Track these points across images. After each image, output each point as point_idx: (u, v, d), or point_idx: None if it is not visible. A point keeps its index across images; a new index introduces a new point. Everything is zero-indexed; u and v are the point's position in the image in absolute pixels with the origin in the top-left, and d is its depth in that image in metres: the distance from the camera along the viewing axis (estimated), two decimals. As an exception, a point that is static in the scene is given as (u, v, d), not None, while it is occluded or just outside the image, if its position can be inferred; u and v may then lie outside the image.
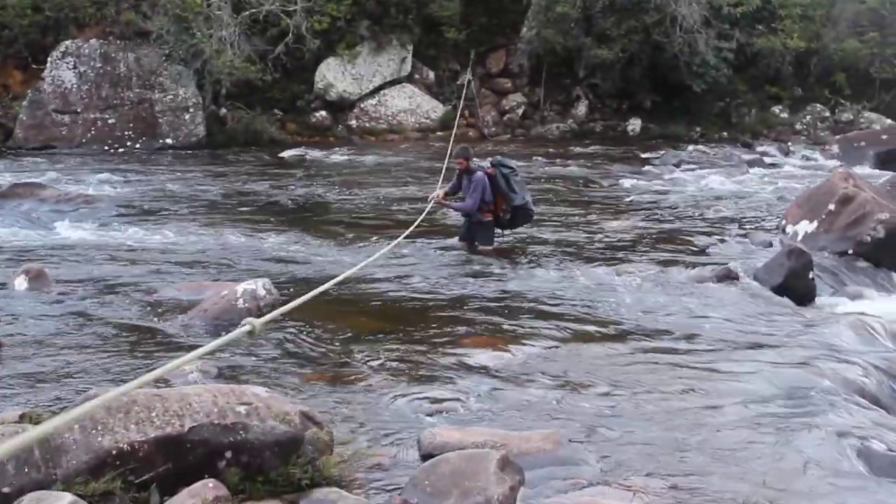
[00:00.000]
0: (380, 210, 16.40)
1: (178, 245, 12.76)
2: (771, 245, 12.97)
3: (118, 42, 26.64)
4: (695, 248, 13.21)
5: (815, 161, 26.16)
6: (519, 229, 13.16)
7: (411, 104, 30.65)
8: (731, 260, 11.96)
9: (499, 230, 12.73)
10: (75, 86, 25.84)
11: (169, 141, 26.20)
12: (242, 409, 5.20)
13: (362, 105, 30.38)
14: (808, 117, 33.70)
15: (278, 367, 7.54)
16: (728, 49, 30.70)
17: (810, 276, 10.76)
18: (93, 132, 25.66)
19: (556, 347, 8.29)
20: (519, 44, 31.96)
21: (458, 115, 26.69)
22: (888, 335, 9.20)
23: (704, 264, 11.81)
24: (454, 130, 20.67)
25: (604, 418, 6.49)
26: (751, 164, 24.43)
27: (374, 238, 13.13)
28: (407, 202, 16.40)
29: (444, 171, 13.64)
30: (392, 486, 5.43)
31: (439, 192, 12.58)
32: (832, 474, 5.68)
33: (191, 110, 26.69)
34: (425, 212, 12.00)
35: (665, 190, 19.50)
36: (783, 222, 13.85)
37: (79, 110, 25.73)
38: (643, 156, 26.03)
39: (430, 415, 6.52)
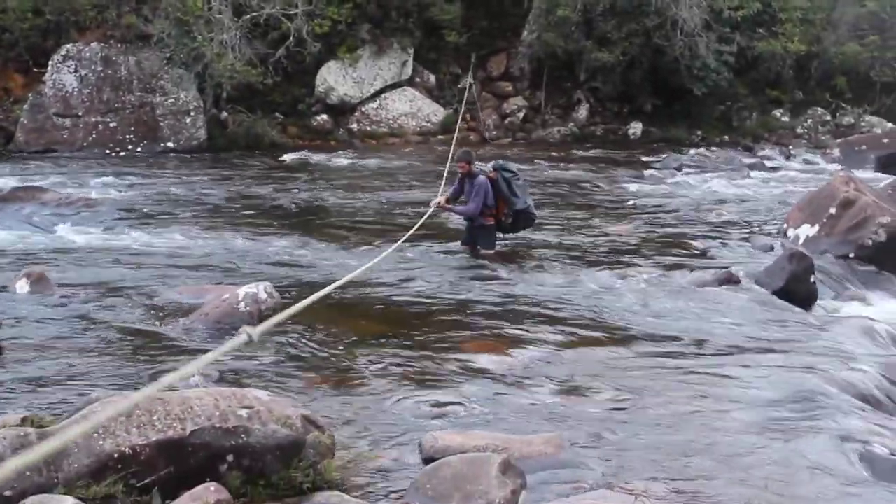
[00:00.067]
0: (381, 214, 16.39)
1: (179, 248, 12.75)
2: (772, 249, 12.97)
3: (119, 45, 26.61)
4: (696, 252, 13.21)
5: (817, 165, 26.13)
6: (521, 233, 13.14)
7: (412, 108, 30.63)
8: (732, 264, 11.97)
9: (500, 234, 12.72)
10: (76, 89, 25.83)
11: (170, 144, 26.17)
12: (244, 412, 5.21)
13: (363, 109, 30.35)
14: (809, 121, 33.66)
15: (280, 371, 7.54)
16: (729, 53, 30.67)
17: (812, 279, 10.76)
18: (94, 136, 25.63)
19: (558, 351, 8.29)
20: (520, 47, 31.94)
21: (459, 119, 26.67)
22: (889, 338, 9.20)
23: (706, 268, 11.80)
24: (456, 134, 20.66)
25: (605, 422, 6.49)
26: (752, 167, 24.41)
27: (376, 242, 13.12)
28: (409, 206, 16.39)
29: (445, 176, 13.64)
30: (394, 490, 5.43)
31: (440, 198, 12.56)
32: (835, 478, 5.68)
33: (192, 114, 26.67)
34: (426, 216, 11.99)
35: (666, 193, 19.50)
36: (784, 226, 13.85)
37: (80, 114, 25.70)
38: (644, 159, 26.01)
39: (431, 418, 6.52)
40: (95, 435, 4.83)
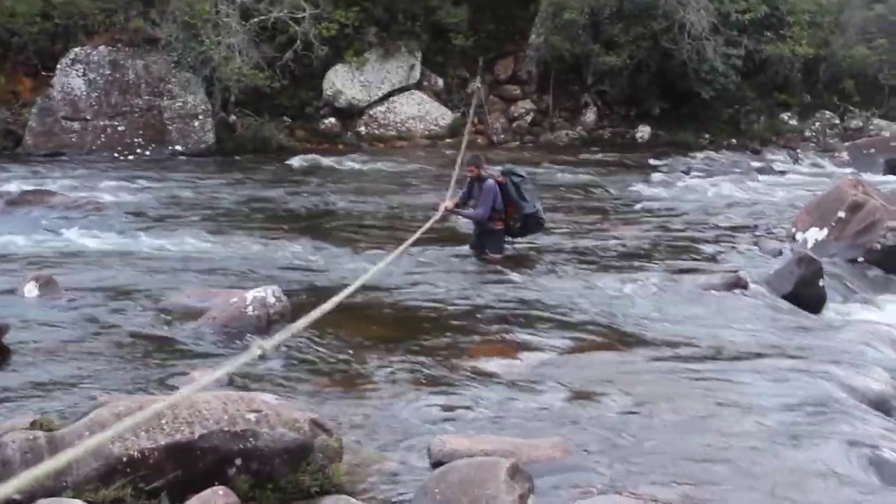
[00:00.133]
0: (390, 218, 16.38)
1: (187, 252, 12.75)
2: (781, 253, 12.94)
3: (127, 49, 26.62)
4: (704, 256, 13.20)
5: (825, 168, 26.11)
6: (529, 237, 13.13)
7: (420, 111, 30.61)
8: (740, 267, 11.94)
9: (509, 238, 12.70)
10: (84, 93, 25.84)
11: (178, 148, 26.18)
12: (252, 416, 5.21)
13: (371, 112, 30.34)
14: (817, 124, 33.60)
15: (288, 375, 7.55)
16: (736, 56, 30.62)
17: (820, 283, 10.74)
18: (102, 139, 25.65)
19: (565, 355, 8.29)
20: (527, 50, 31.92)
21: (468, 123, 26.67)
22: (898, 343, 9.18)
23: (714, 272, 11.78)
24: (465, 138, 20.65)
25: (614, 426, 6.48)
26: (760, 171, 24.40)
27: (385, 246, 13.07)
28: (418, 210, 16.37)
29: (454, 179, 13.63)
30: (401, 494, 5.43)
31: (448, 202, 12.55)
32: (843, 483, 5.66)
33: (200, 117, 26.67)
34: (433, 220, 11.97)
35: (674, 197, 19.48)
36: (793, 230, 13.83)
37: (88, 117, 25.73)
38: (652, 163, 25.99)
39: (440, 422, 6.52)
40: (104, 438, 4.83)
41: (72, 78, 25.80)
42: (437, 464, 5.62)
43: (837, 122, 33.71)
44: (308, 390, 7.16)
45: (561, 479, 5.61)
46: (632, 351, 8.46)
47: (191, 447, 4.97)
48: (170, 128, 26.26)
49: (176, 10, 26.05)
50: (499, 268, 11.92)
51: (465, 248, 12.79)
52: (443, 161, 23.65)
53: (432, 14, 30.18)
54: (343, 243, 13.54)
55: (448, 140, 29.50)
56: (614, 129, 32.28)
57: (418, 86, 31.02)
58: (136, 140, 25.92)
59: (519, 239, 12.92)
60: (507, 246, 12.62)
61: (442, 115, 30.62)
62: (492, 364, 7.91)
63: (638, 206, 18.02)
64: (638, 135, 31.84)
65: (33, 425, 5.07)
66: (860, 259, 12.27)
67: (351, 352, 8.18)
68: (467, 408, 6.78)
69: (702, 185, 21.27)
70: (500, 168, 12.76)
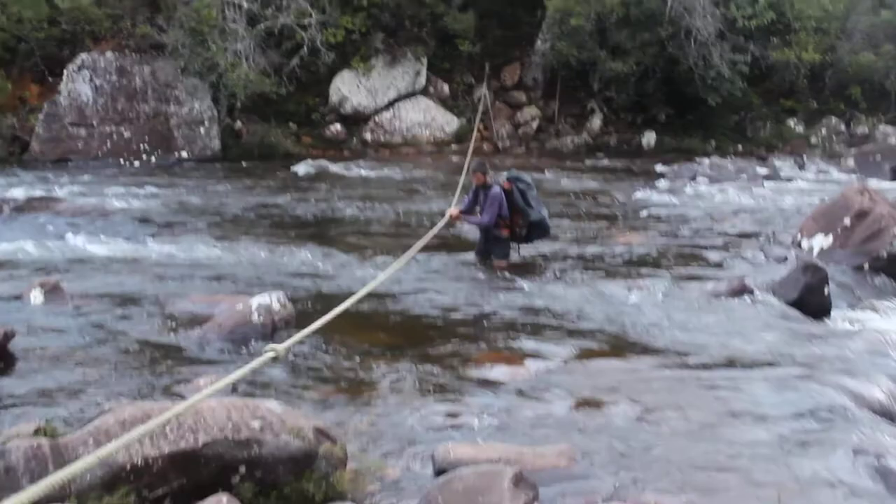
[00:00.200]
0: (396, 224, 16.41)
1: (192, 258, 12.78)
2: (786, 259, 12.92)
3: (134, 55, 26.70)
4: (710, 262, 13.20)
5: (831, 174, 26.10)
6: (535, 244, 13.12)
7: (426, 117, 30.66)
8: (746, 274, 11.93)
9: (515, 245, 12.70)
10: (91, 99, 25.91)
11: (184, 154, 26.26)
12: (256, 423, 5.21)
13: (377, 118, 30.40)
14: (824, 130, 33.63)
15: (293, 382, 7.55)
16: (743, 62, 30.65)
17: (826, 290, 10.72)
18: (108, 145, 25.72)
19: (571, 363, 8.28)
20: (533, 57, 31.98)
21: (474, 130, 26.72)
22: (905, 350, 9.15)
23: (720, 278, 11.78)
24: (471, 144, 20.66)
25: (619, 434, 6.47)
26: (766, 177, 24.39)
27: (391, 252, 13.09)
28: (424, 216, 16.39)
29: (460, 186, 13.62)
30: (405, 502, 5.42)
31: (453, 209, 12.55)
32: (848, 492, 5.65)
33: (206, 123, 26.75)
34: (438, 226, 11.97)
35: (680, 204, 19.48)
36: (799, 236, 13.81)
37: (94, 123, 25.80)
38: (658, 169, 26.02)
39: (444, 430, 6.51)
40: (108, 446, 4.83)
41: (78, 84, 25.88)
42: (441, 471, 5.61)
43: (844, 128, 33.77)
44: (313, 398, 7.16)
45: (566, 487, 5.60)
46: (638, 358, 8.45)
47: (195, 455, 4.97)
48: (176, 134, 26.35)
49: (182, 17, 26.12)
50: (505, 275, 11.92)
51: (471, 255, 12.79)
52: (449, 167, 23.70)
53: (439, 20, 30.23)
54: (349, 250, 13.54)
55: (454, 146, 29.56)
56: (620, 135, 32.32)
57: (424, 92, 31.08)
58: (142, 146, 25.99)
59: (525, 245, 12.92)
60: (512, 252, 12.62)
61: (448, 122, 30.66)
62: (497, 371, 7.91)
63: (644, 213, 18.03)
64: (644, 141, 31.88)
65: (37, 432, 5.07)
66: (866, 266, 12.25)
67: (356, 359, 8.18)
68: (472, 415, 6.77)
69: (708, 192, 21.29)
70: (505, 174, 12.74)
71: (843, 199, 13.55)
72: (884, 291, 11.77)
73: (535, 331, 9.27)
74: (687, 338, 9.16)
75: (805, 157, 29.91)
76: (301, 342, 8.16)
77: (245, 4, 26.89)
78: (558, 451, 5.97)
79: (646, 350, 8.72)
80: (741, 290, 10.89)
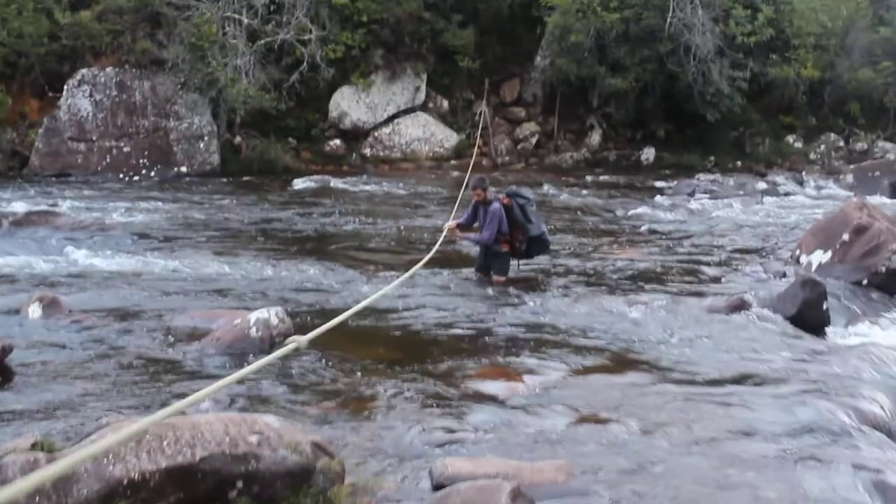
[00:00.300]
0: (395, 239, 16.41)
1: (191, 273, 12.77)
2: (785, 275, 12.93)
3: (134, 70, 26.79)
4: (709, 278, 13.20)
5: (830, 190, 26.13)
6: (533, 259, 13.12)
7: (425, 133, 30.71)
8: (745, 290, 11.93)
9: (514, 260, 12.69)
10: (91, 114, 25.97)
11: (184, 169, 26.31)
12: (254, 438, 5.20)
13: (376, 134, 30.45)
14: (823, 147, 33.68)
15: (291, 397, 7.53)
16: (742, 78, 30.74)
17: (825, 306, 10.71)
18: (108, 160, 25.78)
19: (569, 378, 8.27)
20: (533, 73, 32.05)
21: (475, 146, 26.80)
22: (903, 366, 9.14)
23: (718, 294, 11.78)
24: (472, 160, 20.69)
25: (617, 449, 6.46)
26: (765, 193, 24.43)
27: (391, 268, 13.09)
28: (424, 232, 16.40)
29: (458, 201, 13.63)
30: (404, 517, 5.41)
31: (452, 222, 12.57)
32: (847, 507, 5.64)
33: (206, 138, 26.80)
34: (440, 241, 11.97)
35: (679, 219, 19.50)
36: (797, 252, 13.81)
37: (94, 138, 25.85)
38: (657, 185, 26.05)
39: (442, 445, 6.49)
40: (105, 460, 4.82)
41: (78, 99, 25.94)
42: (438, 486, 5.60)
43: (842, 144, 33.84)
44: (311, 412, 7.14)
45: (564, 503, 5.58)
46: (637, 374, 8.44)
47: (192, 470, 4.95)
48: (175, 149, 26.40)
49: (183, 32, 26.21)
50: (504, 290, 11.92)
51: (471, 271, 12.79)
52: (449, 183, 23.70)
53: (438, 36, 30.32)
54: (349, 265, 13.54)
55: (453, 162, 29.63)
56: (619, 151, 32.38)
57: (424, 108, 31.16)
58: (141, 161, 26.04)
59: (524, 261, 12.92)
60: (511, 268, 12.62)
61: (447, 137, 30.72)
62: (496, 387, 7.89)
63: (643, 229, 18.04)
64: (643, 157, 31.94)
65: (34, 447, 5.06)
66: (865, 282, 12.24)
67: (355, 374, 8.16)
68: (470, 430, 6.76)
69: (707, 208, 21.32)
70: (504, 190, 12.75)
71: (841, 215, 13.56)
72: (882, 306, 11.76)
73: (535, 346, 9.26)
74: (685, 354, 9.15)
75: (804, 173, 29.97)
76: (301, 356, 8.20)
77: (245, 20, 26.99)
78: (556, 466, 5.95)
79: (644, 366, 8.71)
80: (740, 306, 10.89)
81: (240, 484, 5.05)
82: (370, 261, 14.04)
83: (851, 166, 29.62)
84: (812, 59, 32.02)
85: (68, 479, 4.70)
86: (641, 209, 20.88)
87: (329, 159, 29.48)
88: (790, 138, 33.94)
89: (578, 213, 20.21)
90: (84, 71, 26.29)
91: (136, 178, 25.42)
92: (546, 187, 24.43)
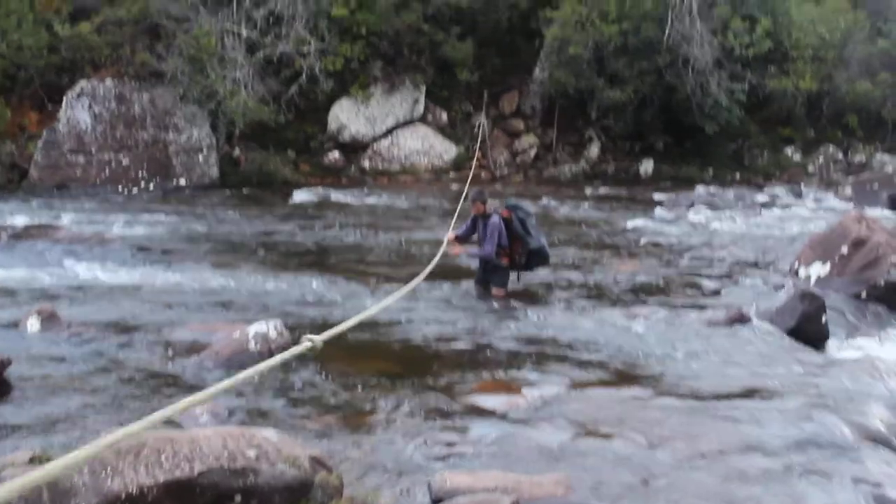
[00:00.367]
0: (395, 252, 16.40)
1: (190, 286, 12.76)
2: (784, 287, 12.92)
3: (133, 82, 26.80)
4: (707, 291, 13.19)
5: (828, 203, 26.13)
6: (534, 272, 13.11)
7: (424, 145, 30.72)
8: (744, 302, 11.93)
9: (514, 273, 12.68)
10: (90, 126, 25.97)
11: (183, 181, 26.31)
12: (252, 452, 5.19)
13: (375, 146, 30.46)
14: (821, 159, 33.72)
15: (290, 410, 7.53)
16: (740, 90, 30.76)
17: (823, 319, 10.71)
18: (107, 172, 25.77)
19: (568, 391, 8.26)
20: (531, 85, 32.08)
21: (474, 158, 26.82)
22: (902, 379, 9.13)
23: (717, 307, 11.78)
24: (471, 172, 20.70)
25: (616, 463, 6.45)
26: (763, 205, 24.44)
27: (391, 281, 13.08)
28: (425, 245, 16.38)
29: (457, 212, 13.63)
30: (402, 532, 5.40)
31: (451, 233, 12.56)
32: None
33: (204, 151, 26.81)
34: (440, 254, 11.95)
35: (677, 232, 19.50)
36: (796, 264, 13.81)
37: (93, 151, 25.84)
38: (655, 197, 26.06)
39: (441, 458, 6.48)
40: (103, 474, 4.81)
41: (77, 111, 25.94)
42: (437, 500, 5.59)
43: (841, 156, 33.88)
44: (310, 426, 7.13)
45: (563, 517, 5.58)
46: (637, 388, 8.43)
47: (190, 484, 4.95)
48: (174, 161, 26.40)
49: (182, 44, 26.23)
50: (504, 303, 11.92)
51: (471, 284, 12.78)
52: (448, 195, 23.70)
53: (437, 49, 30.34)
54: (349, 278, 13.53)
55: (452, 174, 29.64)
56: (618, 163, 32.39)
57: (423, 120, 31.17)
58: (140, 173, 26.04)
59: (524, 273, 12.91)
60: (511, 281, 12.60)
61: (446, 150, 30.73)
62: (496, 400, 7.89)
63: (642, 241, 18.04)
64: (641, 169, 31.95)
65: (32, 461, 5.05)
66: (864, 294, 12.24)
67: (354, 387, 8.16)
68: (469, 444, 6.75)
69: (706, 220, 21.33)
70: (503, 202, 12.75)
71: (840, 228, 13.56)
72: (881, 320, 11.75)
73: (535, 359, 9.25)
74: (685, 367, 9.14)
75: (802, 185, 29.98)
76: (299, 369, 8.20)
77: (244, 32, 27.02)
78: (555, 479, 5.94)
79: (644, 379, 8.70)
80: (739, 319, 10.89)
81: (238, 498, 5.05)
82: (371, 273, 14.03)
83: (850, 178, 29.67)
84: (810, 71, 32.05)
85: (66, 492, 4.69)
86: (641, 222, 20.88)
87: (328, 172, 29.48)
88: (789, 150, 33.98)
89: (577, 225, 20.21)
90: (83, 83, 26.30)
91: (135, 190, 25.43)
92: (545, 200, 24.43)
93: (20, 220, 17.58)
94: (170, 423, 6.93)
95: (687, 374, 8.87)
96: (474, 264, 13.06)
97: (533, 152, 31.93)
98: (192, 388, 7.93)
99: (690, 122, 31.03)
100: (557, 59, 30.45)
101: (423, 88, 30.96)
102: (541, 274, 13.43)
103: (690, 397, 8.11)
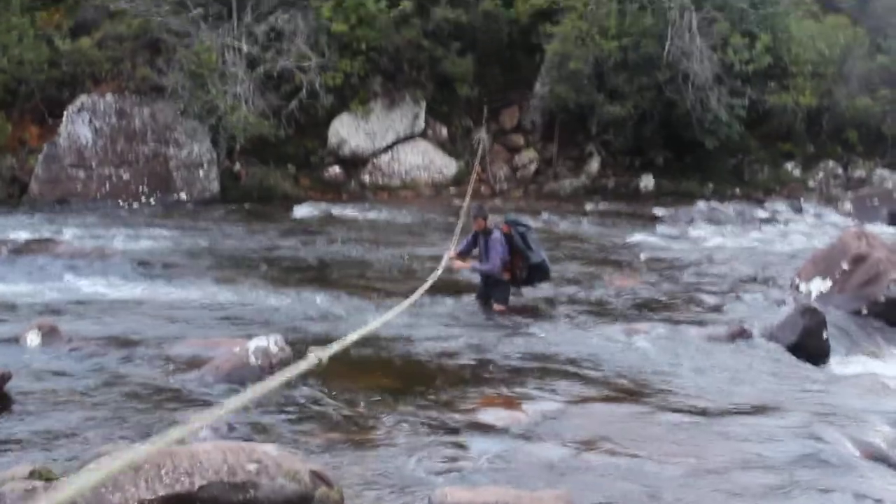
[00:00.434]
0: (396, 267, 16.38)
1: (191, 301, 12.75)
2: (784, 303, 12.92)
3: (133, 97, 26.80)
4: (708, 306, 13.18)
5: (828, 218, 26.13)
6: (535, 287, 13.10)
7: (424, 160, 30.70)
8: (744, 318, 11.93)
9: (515, 287, 12.67)
10: (90, 140, 25.97)
11: (183, 196, 26.29)
12: (253, 467, 5.19)
13: (376, 161, 30.44)
14: (821, 174, 33.70)
15: (290, 425, 7.51)
16: (740, 106, 30.74)
17: (824, 335, 10.71)
18: (107, 187, 25.76)
19: (569, 407, 8.25)
20: (532, 100, 32.07)
21: (473, 173, 26.80)
22: (903, 395, 9.12)
23: (718, 322, 11.77)
24: (470, 187, 20.68)
25: (616, 478, 6.44)
26: (763, 221, 24.44)
27: (392, 296, 13.05)
28: (426, 260, 16.37)
29: (458, 229, 13.64)
30: (403, 547, 5.39)
31: (452, 251, 12.56)
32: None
33: (205, 166, 26.81)
34: (439, 270, 11.95)
35: (678, 247, 19.50)
36: (797, 280, 13.81)
37: (94, 165, 25.84)
38: (656, 213, 26.05)
39: (441, 474, 6.47)
40: (103, 489, 4.80)
41: (78, 126, 25.94)
42: (438, 516, 5.58)
43: (841, 172, 33.86)
44: (311, 441, 7.12)
45: (564, 533, 5.56)
46: (638, 403, 8.42)
47: (191, 498, 4.94)
48: (175, 176, 26.39)
49: (182, 59, 26.25)
50: (505, 318, 11.91)
51: (472, 299, 12.77)
52: (448, 210, 23.70)
53: (437, 64, 30.33)
54: (351, 293, 13.52)
55: (452, 189, 29.63)
56: (618, 178, 32.35)
57: (423, 135, 31.15)
58: (141, 188, 26.02)
59: (525, 288, 12.91)
60: (512, 296, 12.59)
61: (446, 165, 30.72)
62: (496, 416, 7.88)
63: (642, 256, 18.03)
64: (642, 184, 31.93)
65: (32, 475, 5.05)
66: (864, 311, 12.24)
67: (354, 402, 8.14)
68: (470, 459, 6.74)
69: (706, 235, 21.33)
70: (504, 218, 12.75)
71: (840, 244, 13.57)
72: (882, 336, 11.75)
73: (536, 375, 9.25)
74: (686, 382, 9.14)
75: (802, 200, 29.95)
76: (300, 384, 8.19)
77: (245, 48, 27.05)
78: (556, 495, 5.93)
79: (645, 395, 8.70)
80: (740, 334, 10.88)
81: (238, 513, 5.04)
82: (372, 288, 14.03)
83: (850, 194, 29.66)
84: (810, 87, 32.04)
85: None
86: (641, 237, 20.89)
87: (328, 187, 29.46)
88: (789, 166, 33.96)
89: (577, 240, 20.20)
90: (84, 97, 26.31)
91: (135, 205, 25.42)
92: (545, 215, 24.42)
93: (21, 235, 17.56)
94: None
95: (688, 389, 8.86)
96: (476, 279, 13.06)
97: (533, 167, 31.92)
98: (193, 403, 7.95)
99: (690, 137, 31.01)
100: (558, 74, 30.45)
101: (424, 104, 30.95)
102: (542, 289, 13.42)
103: (692, 413, 8.10)
